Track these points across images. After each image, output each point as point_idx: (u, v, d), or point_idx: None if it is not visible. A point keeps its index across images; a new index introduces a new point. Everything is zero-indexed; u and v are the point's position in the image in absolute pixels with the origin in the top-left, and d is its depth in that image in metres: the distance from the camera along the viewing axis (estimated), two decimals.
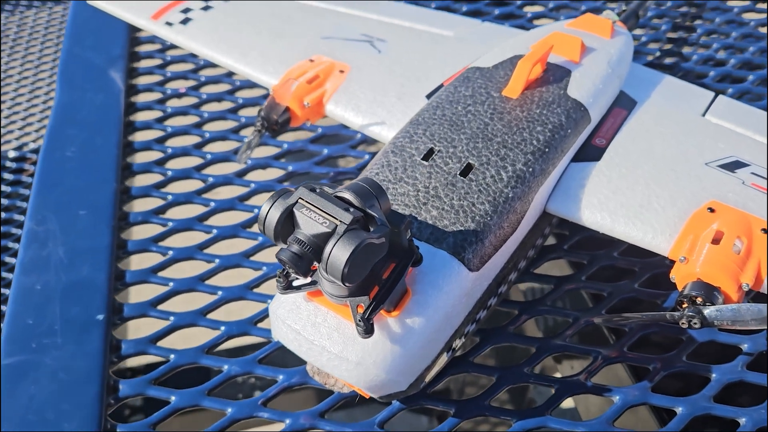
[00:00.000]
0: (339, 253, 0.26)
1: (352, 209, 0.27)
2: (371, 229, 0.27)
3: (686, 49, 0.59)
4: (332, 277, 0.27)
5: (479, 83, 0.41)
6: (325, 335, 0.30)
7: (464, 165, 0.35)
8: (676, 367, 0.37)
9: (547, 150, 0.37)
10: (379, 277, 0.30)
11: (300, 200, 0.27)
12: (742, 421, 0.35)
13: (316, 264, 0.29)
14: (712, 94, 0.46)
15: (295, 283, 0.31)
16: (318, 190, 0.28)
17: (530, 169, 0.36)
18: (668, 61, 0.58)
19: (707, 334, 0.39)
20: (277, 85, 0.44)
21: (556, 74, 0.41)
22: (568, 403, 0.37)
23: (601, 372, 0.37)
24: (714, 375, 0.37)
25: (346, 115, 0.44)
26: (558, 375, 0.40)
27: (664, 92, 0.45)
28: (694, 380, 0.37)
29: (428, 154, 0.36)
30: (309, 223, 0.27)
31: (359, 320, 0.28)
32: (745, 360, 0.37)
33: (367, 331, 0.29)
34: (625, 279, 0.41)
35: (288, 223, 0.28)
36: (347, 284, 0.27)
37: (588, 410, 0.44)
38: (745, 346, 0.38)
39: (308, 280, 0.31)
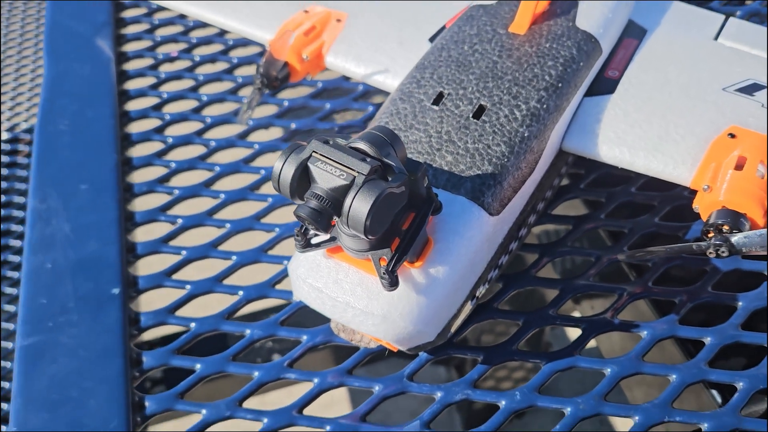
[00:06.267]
0: (359, 205, 0.25)
1: (368, 159, 0.26)
2: (389, 179, 0.26)
3: None
4: (354, 230, 0.26)
5: (484, 21, 0.39)
6: (348, 291, 0.30)
7: (476, 107, 0.34)
8: (702, 298, 0.37)
9: (560, 85, 0.36)
10: (399, 228, 0.29)
11: (314, 154, 0.26)
12: None
13: (335, 219, 0.28)
14: (722, 17, 0.45)
15: (314, 241, 0.30)
16: (331, 142, 0.27)
17: (545, 106, 0.35)
18: None
19: (731, 263, 0.38)
20: (274, 40, 0.43)
21: (563, 6, 0.40)
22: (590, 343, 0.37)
23: (625, 309, 0.37)
24: (740, 303, 0.36)
25: (347, 66, 0.42)
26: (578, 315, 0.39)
27: (673, 18, 0.44)
28: (716, 312, 0.37)
29: (438, 98, 0.35)
30: (325, 177, 0.26)
31: (383, 273, 0.28)
32: None
33: (392, 283, 0.28)
34: (644, 214, 0.40)
35: (303, 178, 0.27)
36: (369, 237, 0.26)
37: (612, 349, 0.44)
38: None
39: (327, 236, 0.30)
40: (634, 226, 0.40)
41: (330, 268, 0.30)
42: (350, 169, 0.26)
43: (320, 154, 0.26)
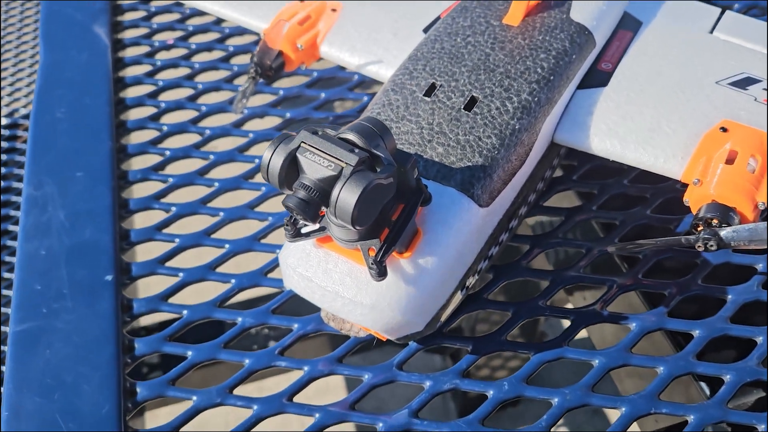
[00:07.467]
0: (347, 196, 0.25)
1: (357, 150, 0.26)
2: (378, 170, 0.27)
3: None
4: (341, 221, 0.26)
5: (477, 12, 0.39)
6: (337, 281, 0.30)
7: (468, 99, 0.34)
8: (691, 290, 0.37)
9: (552, 78, 0.36)
10: (389, 218, 0.29)
11: (303, 144, 0.26)
12: (759, 339, 0.35)
13: (324, 209, 0.28)
14: (719, 10, 0.44)
15: (304, 230, 0.30)
16: (320, 133, 0.27)
17: (536, 99, 0.35)
18: None
19: (722, 256, 0.38)
20: (268, 29, 0.43)
21: None
22: (582, 334, 0.37)
23: (615, 301, 0.37)
24: (730, 296, 0.37)
25: (342, 56, 0.42)
26: (570, 306, 0.39)
27: (669, 11, 0.44)
28: (709, 304, 0.37)
29: (430, 90, 0.35)
30: (314, 167, 0.26)
31: (372, 263, 0.28)
32: (760, 279, 0.37)
33: (380, 273, 0.28)
34: (637, 206, 0.40)
35: (292, 168, 0.27)
36: (357, 227, 0.26)
37: (603, 339, 0.44)
38: (760, 266, 0.37)
39: (317, 226, 0.30)
40: (626, 218, 0.40)
41: (320, 258, 0.31)
42: (338, 159, 0.26)
43: (309, 145, 0.26)
